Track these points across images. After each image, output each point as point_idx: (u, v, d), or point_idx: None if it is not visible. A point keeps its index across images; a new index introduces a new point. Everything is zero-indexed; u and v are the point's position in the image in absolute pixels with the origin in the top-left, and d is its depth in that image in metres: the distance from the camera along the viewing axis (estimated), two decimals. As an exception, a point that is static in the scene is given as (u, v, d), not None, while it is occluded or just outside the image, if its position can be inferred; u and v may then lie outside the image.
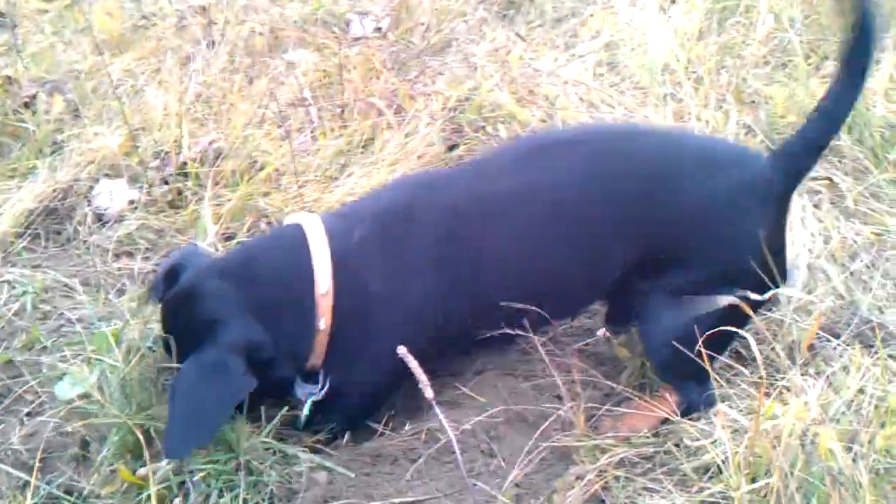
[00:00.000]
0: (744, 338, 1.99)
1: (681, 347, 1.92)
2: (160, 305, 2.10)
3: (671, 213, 2.02)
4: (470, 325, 2.07)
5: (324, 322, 1.99)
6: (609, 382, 2.13)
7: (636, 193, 2.03)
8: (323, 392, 2.07)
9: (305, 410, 2.06)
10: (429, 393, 1.39)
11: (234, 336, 1.92)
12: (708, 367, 1.88)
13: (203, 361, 1.89)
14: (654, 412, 2.06)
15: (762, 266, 1.94)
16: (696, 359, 1.88)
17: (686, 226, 2.03)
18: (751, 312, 1.88)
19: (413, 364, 1.41)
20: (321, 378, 2.08)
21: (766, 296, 1.92)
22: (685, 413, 2.04)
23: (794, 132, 2.08)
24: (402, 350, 1.45)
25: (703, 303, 1.96)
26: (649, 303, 2.04)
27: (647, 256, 2.03)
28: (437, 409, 1.43)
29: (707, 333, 1.88)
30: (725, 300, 1.90)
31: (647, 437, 2.03)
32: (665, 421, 2.05)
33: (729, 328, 1.91)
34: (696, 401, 2.05)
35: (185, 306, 2.00)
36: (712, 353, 1.90)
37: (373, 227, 2.05)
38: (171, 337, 1.99)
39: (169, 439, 1.85)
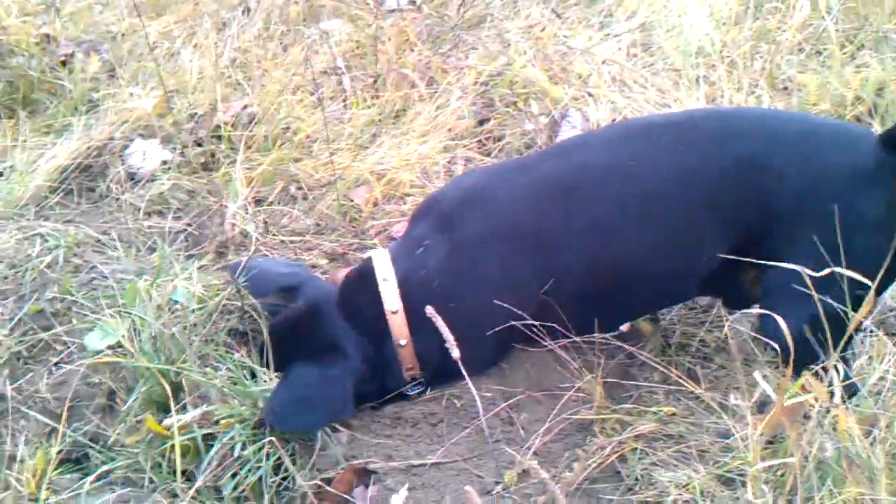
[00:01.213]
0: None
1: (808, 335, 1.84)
2: (274, 321, 2.18)
3: (773, 198, 1.95)
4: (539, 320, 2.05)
5: (403, 339, 2.06)
6: (633, 350, 2.13)
7: (734, 178, 1.97)
8: (427, 392, 2.16)
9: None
10: (455, 353, 1.41)
11: (351, 364, 2.05)
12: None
13: (322, 371, 2.02)
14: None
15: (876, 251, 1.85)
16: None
17: (791, 210, 1.94)
18: (873, 298, 1.78)
19: (440, 323, 1.42)
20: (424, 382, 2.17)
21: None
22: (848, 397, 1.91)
23: None
24: (429, 310, 1.47)
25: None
26: (770, 290, 1.99)
27: (748, 244, 1.96)
28: (463, 369, 1.44)
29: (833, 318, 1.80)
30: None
31: (672, 413, 2.04)
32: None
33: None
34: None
35: (309, 324, 2.11)
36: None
37: (433, 238, 2.09)
38: (281, 347, 2.09)
39: (279, 408, 1.93)
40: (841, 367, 1.84)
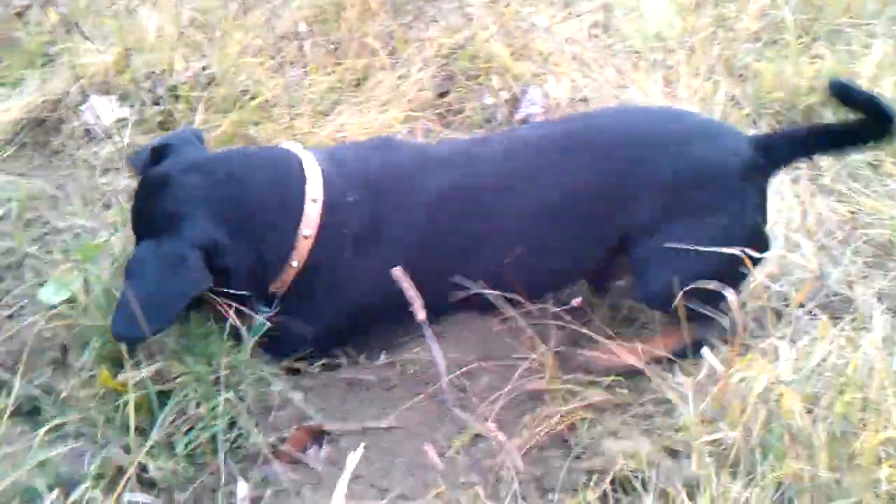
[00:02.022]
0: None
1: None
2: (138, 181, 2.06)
3: (654, 185, 2.08)
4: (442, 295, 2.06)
5: (297, 262, 2.02)
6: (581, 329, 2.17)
7: (617, 171, 2.10)
8: (270, 313, 2.05)
9: (258, 322, 2.04)
10: (421, 315, 1.43)
11: (198, 233, 1.90)
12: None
13: (163, 251, 1.87)
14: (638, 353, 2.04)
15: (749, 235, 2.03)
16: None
17: (670, 196, 2.08)
18: (750, 267, 1.93)
19: (406, 285, 1.44)
20: (275, 303, 2.08)
21: (766, 255, 2.03)
22: (675, 355, 2.07)
23: (785, 131, 2.32)
24: (397, 272, 1.48)
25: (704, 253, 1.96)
26: (648, 258, 2.09)
27: (631, 231, 2.10)
28: (427, 331, 1.47)
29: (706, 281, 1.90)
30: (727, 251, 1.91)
31: (620, 384, 2.08)
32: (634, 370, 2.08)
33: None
34: (686, 346, 2.08)
35: (155, 192, 1.97)
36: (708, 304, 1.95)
37: (363, 193, 2.08)
38: (135, 218, 2.01)
39: (119, 320, 1.83)
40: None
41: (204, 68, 3.01)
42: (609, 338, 2.05)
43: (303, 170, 2.06)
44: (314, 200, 2.03)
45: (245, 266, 1.98)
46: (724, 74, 3.17)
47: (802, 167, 2.81)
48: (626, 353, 1.98)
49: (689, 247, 1.96)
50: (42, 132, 2.84)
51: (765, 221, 2.15)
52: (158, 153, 2.06)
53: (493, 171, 2.14)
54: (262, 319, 2.03)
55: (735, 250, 1.88)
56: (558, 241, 2.15)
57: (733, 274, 1.96)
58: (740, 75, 3.25)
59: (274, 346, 2.07)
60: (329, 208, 2.04)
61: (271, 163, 2.10)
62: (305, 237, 2.02)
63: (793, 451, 1.79)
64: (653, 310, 2.20)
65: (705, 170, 2.10)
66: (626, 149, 2.13)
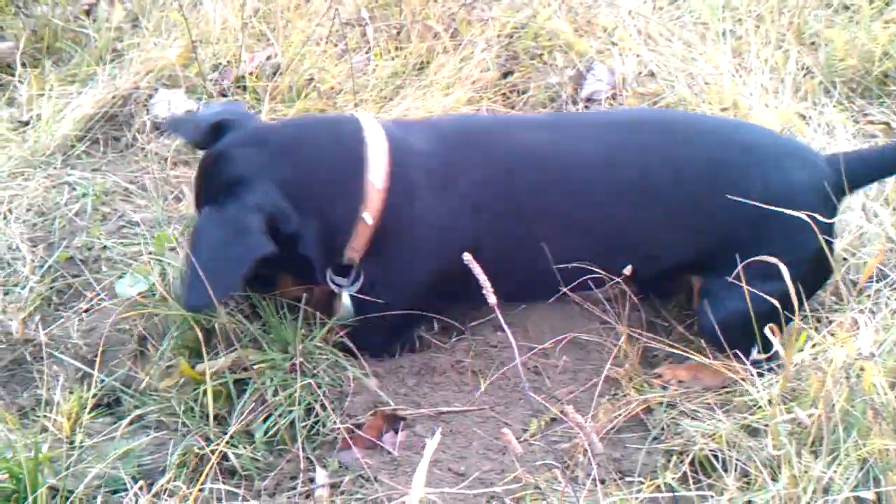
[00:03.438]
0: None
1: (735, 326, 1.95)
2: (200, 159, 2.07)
3: (735, 206, 1.96)
4: (512, 272, 2.00)
5: (370, 216, 1.94)
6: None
7: (702, 182, 2.05)
8: (355, 287, 2.02)
9: (345, 300, 2.03)
10: (492, 299, 1.42)
11: (257, 198, 1.87)
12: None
13: (222, 217, 1.86)
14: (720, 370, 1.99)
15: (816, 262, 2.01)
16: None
17: (751, 219, 1.99)
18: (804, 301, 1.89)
19: (477, 269, 1.43)
20: (353, 273, 2.02)
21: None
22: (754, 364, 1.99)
23: (862, 152, 2.25)
24: (467, 256, 1.47)
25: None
26: (710, 290, 2.05)
27: (703, 249, 2.06)
28: (500, 315, 1.46)
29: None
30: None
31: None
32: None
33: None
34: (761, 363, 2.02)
35: (217, 165, 1.96)
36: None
37: (438, 147, 2.04)
38: (198, 191, 2.01)
39: (187, 290, 1.82)
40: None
41: (269, 58, 3.03)
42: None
43: (363, 127, 2.00)
44: (379, 152, 1.96)
45: (313, 229, 1.92)
46: (795, 43, 3.09)
47: (880, 135, 2.75)
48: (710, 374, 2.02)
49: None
50: (113, 127, 2.88)
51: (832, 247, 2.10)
52: (217, 130, 2.03)
53: (587, 143, 2.10)
54: (348, 305, 2.03)
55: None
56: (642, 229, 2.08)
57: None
58: (812, 43, 3.17)
59: (363, 340, 2.09)
60: (398, 160, 1.97)
61: (331, 123, 2.14)
62: (376, 189, 1.93)
63: (877, 427, 1.76)
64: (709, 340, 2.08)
65: (793, 192, 2.01)
66: (721, 160, 2.07)
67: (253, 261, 1.82)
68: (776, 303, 1.80)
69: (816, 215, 1.87)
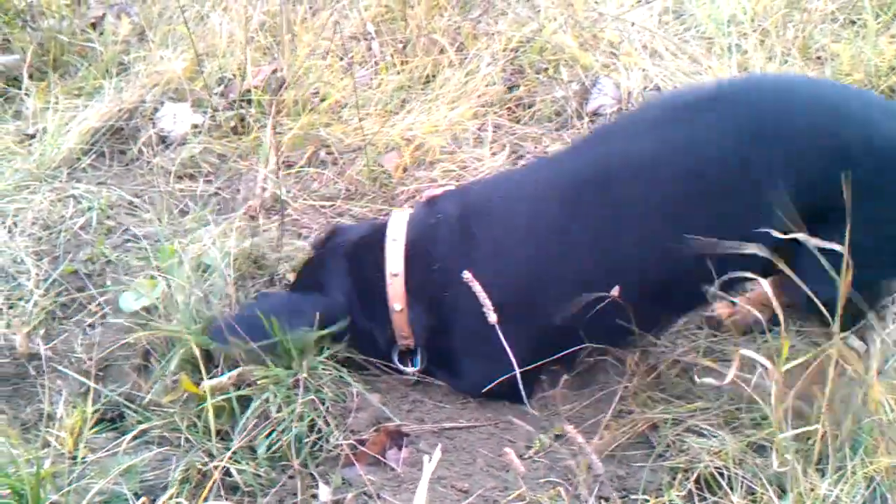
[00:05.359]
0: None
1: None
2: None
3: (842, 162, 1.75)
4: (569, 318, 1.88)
5: (398, 304, 2.04)
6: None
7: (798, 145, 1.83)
8: (417, 370, 2.12)
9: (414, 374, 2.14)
10: (492, 318, 1.42)
11: (335, 304, 2.06)
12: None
13: (293, 302, 2.08)
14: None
15: None
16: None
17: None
18: None
19: (477, 288, 1.43)
20: (418, 356, 2.13)
21: None
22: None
23: None
24: (466, 275, 1.47)
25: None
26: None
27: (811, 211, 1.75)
28: (500, 335, 1.45)
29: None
30: None
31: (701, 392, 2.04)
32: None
33: None
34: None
35: (308, 268, 2.20)
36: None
37: (450, 216, 2.06)
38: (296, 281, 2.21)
39: (222, 328, 1.95)
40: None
41: (274, 72, 3.03)
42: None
43: (387, 222, 2.13)
44: (394, 240, 2.06)
45: (365, 326, 2.08)
46: (800, 57, 3.09)
47: None
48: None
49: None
50: (119, 140, 2.89)
51: None
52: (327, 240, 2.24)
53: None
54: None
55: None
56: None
57: None
58: (818, 57, 3.17)
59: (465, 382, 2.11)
60: (414, 243, 2.05)
61: (363, 227, 2.25)
62: (394, 275, 2.04)
63: (883, 445, 1.75)
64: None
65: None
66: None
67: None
68: None
69: None
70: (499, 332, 1.51)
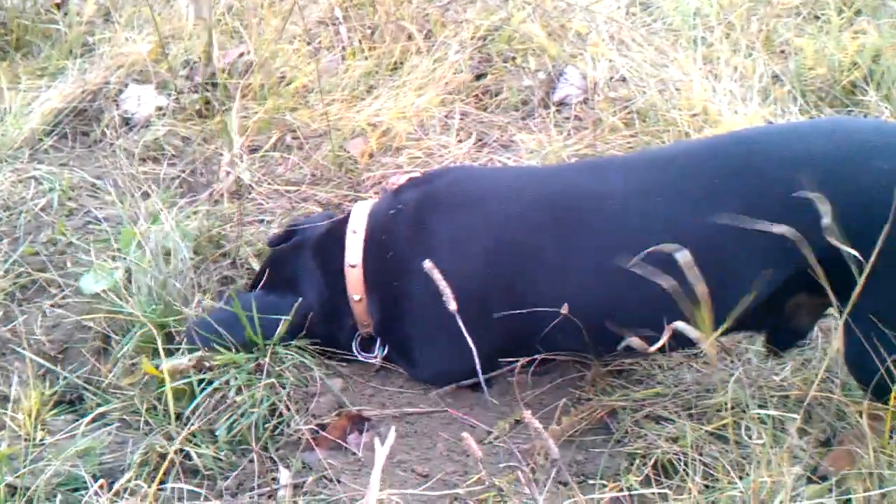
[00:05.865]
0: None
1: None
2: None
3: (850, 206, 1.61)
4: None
5: (357, 295, 2.05)
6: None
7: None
8: (378, 359, 2.13)
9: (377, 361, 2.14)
10: (452, 305, 1.42)
11: (306, 302, 2.05)
12: None
13: (267, 300, 2.05)
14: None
15: None
16: None
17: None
18: None
19: (437, 276, 1.43)
20: (377, 345, 2.14)
21: None
22: None
23: None
24: (427, 264, 1.47)
25: None
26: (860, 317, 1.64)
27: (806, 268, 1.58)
28: (460, 321, 1.46)
29: None
30: None
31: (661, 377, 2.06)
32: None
33: None
34: None
35: (277, 266, 2.16)
36: None
37: (408, 206, 2.05)
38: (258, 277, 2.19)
39: (198, 326, 1.99)
40: None
41: (241, 55, 3.02)
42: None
43: (349, 212, 2.14)
44: (354, 232, 2.07)
45: (325, 317, 2.08)
46: (764, 51, 3.12)
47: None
48: None
49: None
50: (82, 122, 2.86)
51: None
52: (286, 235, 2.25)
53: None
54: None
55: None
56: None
57: None
58: (781, 51, 3.19)
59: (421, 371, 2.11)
60: (371, 234, 2.06)
61: (324, 221, 2.22)
62: (352, 266, 2.05)
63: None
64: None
65: None
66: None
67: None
68: None
69: None
70: (458, 320, 1.50)
